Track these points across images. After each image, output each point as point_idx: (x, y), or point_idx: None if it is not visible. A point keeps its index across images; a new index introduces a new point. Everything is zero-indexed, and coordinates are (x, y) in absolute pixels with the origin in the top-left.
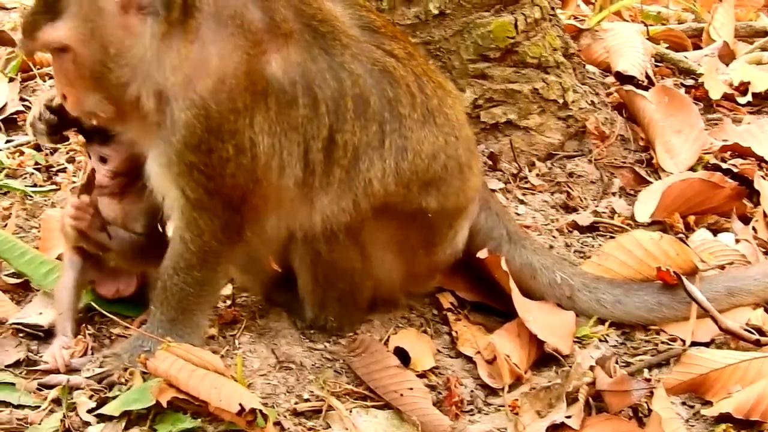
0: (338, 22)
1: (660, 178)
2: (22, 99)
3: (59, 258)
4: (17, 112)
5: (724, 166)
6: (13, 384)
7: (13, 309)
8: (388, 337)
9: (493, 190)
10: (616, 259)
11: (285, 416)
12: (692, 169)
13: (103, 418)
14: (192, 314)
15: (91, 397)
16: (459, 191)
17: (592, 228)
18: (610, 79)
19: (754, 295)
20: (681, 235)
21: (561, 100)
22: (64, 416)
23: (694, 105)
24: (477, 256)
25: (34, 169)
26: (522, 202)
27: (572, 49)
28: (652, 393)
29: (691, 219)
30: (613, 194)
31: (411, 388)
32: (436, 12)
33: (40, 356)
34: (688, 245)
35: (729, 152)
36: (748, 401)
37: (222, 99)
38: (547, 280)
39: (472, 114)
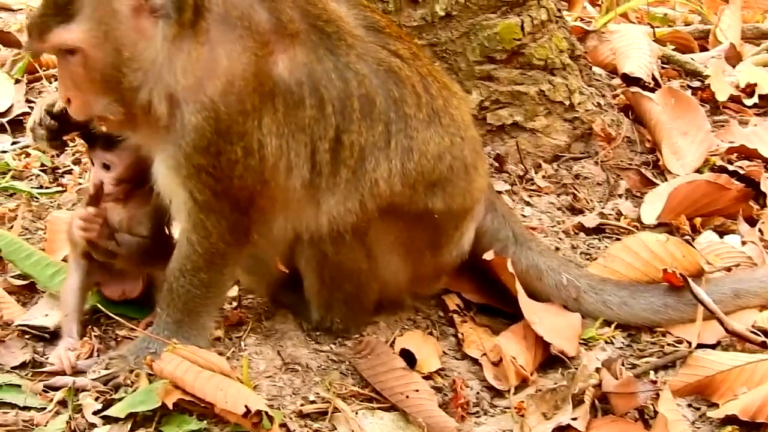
0: (343, 23)
1: (666, 180)
2: (28, 101)
3: (65, 260)
4: (23, 114)
5: (731, 168)
6: (18, 386)
7: (19, 311)
8: (394, 338)
9: (500, 192)
10: (622, 261)
11: (291, 418)
12: (699, 171)
13: (108, 420)
14: (198, 316)
15: (96, 399)
16: (465, 192)
17: (598, 230)
18: (617, 81)
19: (760, 297)
20: (687, 237)
21: (567, 102)
22: (70, 418)
23: (700, 107)
24: (483, 257)
25: (40, 170)
26: (528, 203)
27: (579, 50)
28: (658, 395)
29: (698, 221)
30: (620, 196)
31: (417, 390)
32: (442, 14)
33: (46, 358)
34: (694, 247)
35: (735, 154)
36: (754, 403)
37: (231, 101)
38: (553, 282)
39: (478, 116)
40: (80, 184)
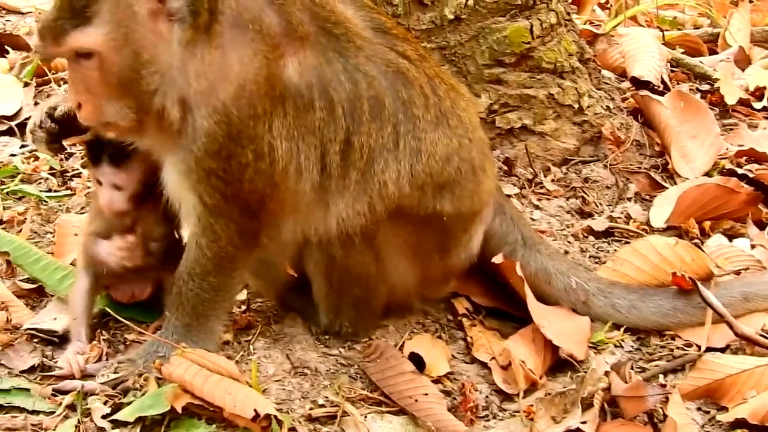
0: (351, 24)
1: (675, 183)
2: (36, 104)
3: (74, 263)
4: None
5: (740, 171)
6: (27, 390)
7: (28, 314)
8: (403, 342)
9: (509, 196)
10: (631, 264)
11: (300, 422)
12: (708, 174)
13: (117, 424)
14: (207, 320)
15: (105, 403)
16: (473, 194)
17: (607, 233)
18: (626, 84)
19: None
20: (696, 241)
21: (576, 106)
22: (79, 422)
23: (709, 110)
24: (492, 261)
25: (49, 174)
26: (537, 207)
27: (588, 54)
28: (667, 398)
29: (707, 224)
30: (629, 199)
31: (426, 394)
32: (451, 17)
33: (55, 362)
34: (703, 251)
35: (744, 157)
36: (763, 407)
37: (243, 105)
38: (562, 286)
39: (487, 119)
40: (89, 187)
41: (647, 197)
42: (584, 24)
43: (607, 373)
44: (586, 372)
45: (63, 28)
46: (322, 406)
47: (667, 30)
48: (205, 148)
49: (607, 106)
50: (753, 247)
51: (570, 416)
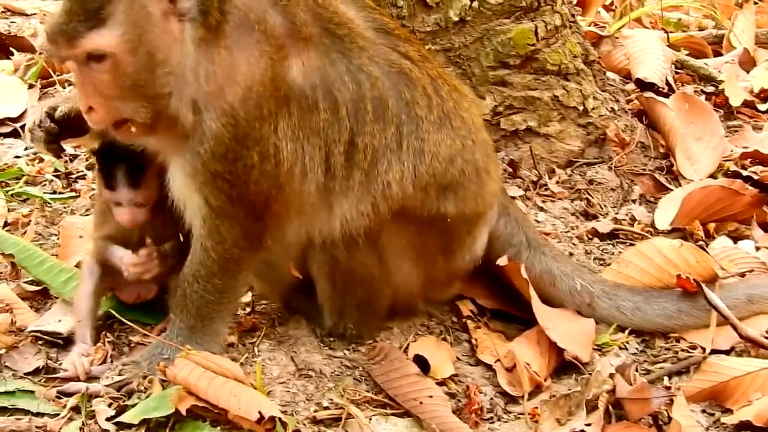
0: (354, 25)
1: (680, 185)
2: None
3: (78, 265)
4: None
5: (745, 173)
6: (32, 392)
7: (32, 316)
8: (408, 344)
9: (513, 198)
10: (636, 266)
11: (304, 424)
12: (712, 176)
13: (122, 426)
14: (212, 322)
15: (110, 405)
16: (477, 196)
17: (612, 235)
18: (631, 86)
19: None
20: (701, 243)
21: (581, 107)
22: (83, 424)
23: (714, 112)
24: (496, 263)
25: (54, 176)
26: (542, 209)
27: (592, 56)
28: (672, 401)
29: (711, 226)
30: (633, 201)
31: (430, 396)
32: (456, 19)
33: (60, 364)
34: (708, 253)
35: (749, 159)
36: None
37: (250, 107)
38: (566, 288)
39: (492, 121)
40: (93, 189)
41: (652, 199)
42: (589, 26)
43: (611, 375)
44: (590, 374)
45: (77, 30)
46: (326, 408)
47: (671, 32)
48: (212, 151)
49: (611, 107)
50: (758, 249)
51: (575, 418)
